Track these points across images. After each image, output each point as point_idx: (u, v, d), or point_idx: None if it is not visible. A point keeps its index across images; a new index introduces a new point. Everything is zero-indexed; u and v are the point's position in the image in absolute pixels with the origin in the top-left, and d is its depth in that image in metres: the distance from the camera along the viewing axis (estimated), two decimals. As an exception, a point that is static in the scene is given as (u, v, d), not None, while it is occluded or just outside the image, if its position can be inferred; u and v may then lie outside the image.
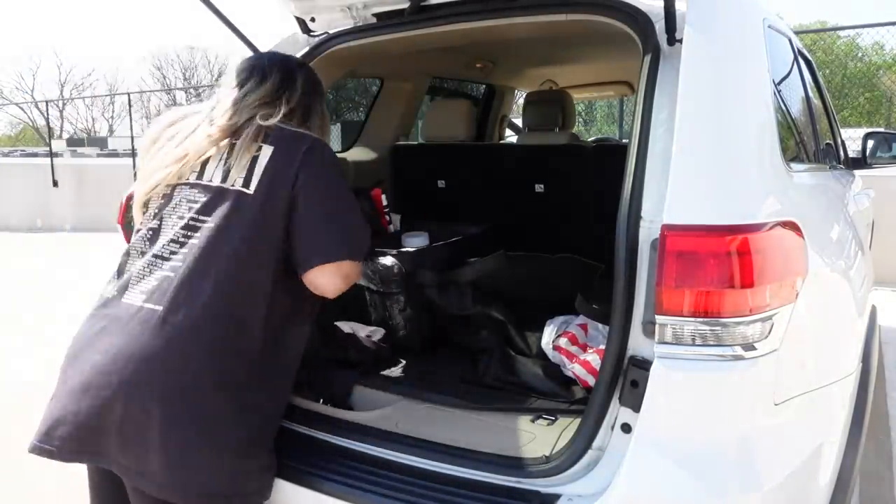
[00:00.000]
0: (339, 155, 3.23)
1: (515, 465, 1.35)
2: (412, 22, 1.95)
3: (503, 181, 2.82)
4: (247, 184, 1.36)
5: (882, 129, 4.10)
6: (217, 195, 1.37)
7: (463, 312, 2.09)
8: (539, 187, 2.75)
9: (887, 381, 3.42)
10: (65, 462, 1.32)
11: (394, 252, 2.07)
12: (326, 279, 1.35)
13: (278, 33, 2.30)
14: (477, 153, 3.16)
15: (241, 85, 1.49)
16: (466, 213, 2.74)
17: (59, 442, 1.30)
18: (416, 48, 2.42)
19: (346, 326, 2.13)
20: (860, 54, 12.87)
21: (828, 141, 2.62)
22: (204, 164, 1.42)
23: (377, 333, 2.11)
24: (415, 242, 2.35)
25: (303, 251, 1.34)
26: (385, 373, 1.98)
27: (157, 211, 1.43)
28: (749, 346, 1.14)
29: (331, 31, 2.17)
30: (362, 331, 2.11)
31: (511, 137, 4.74)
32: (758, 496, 1.16)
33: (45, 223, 11.43)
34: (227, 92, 1.49)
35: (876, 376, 2.03)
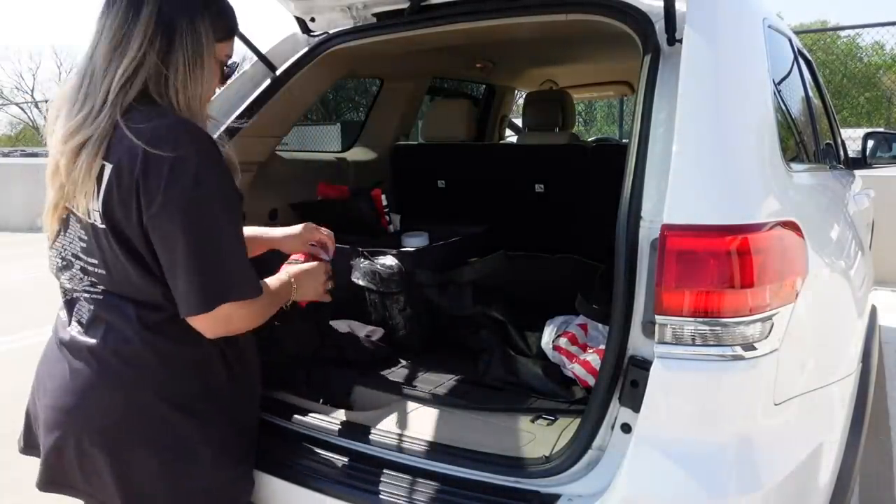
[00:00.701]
0: (339, 155, 3.23)
1: (515, 465, 1.35)
2: (412, 22, 1.95)
3: (503, 181, 2.82)
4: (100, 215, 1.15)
5: (882, 129, 4.09)
6: (91, 232, 1.18)
7: (463, 312, 2.09)
8: (539, 187, 2.75)
9: (887, 381, 3.42)
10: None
11: (394, 252, 2.08)
12: (201, 326, 1.17)
13: (278, 33, 2.30)
14: (477, 153, 3.16)
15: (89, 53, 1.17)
16: (466, 213, 2.74)
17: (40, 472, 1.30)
18: (416, 48, 2.42)
19: (343, 326, 2.13)
20: (860, 54, 12.86)
21: (828, 141, 2.62)
22: None
23: (376, 333, 2.11)
24: (415, 242, 2.35)
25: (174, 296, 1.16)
26: (384, 373, 1.98)
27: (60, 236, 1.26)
28: (749, 346, 1.14)
29: (331, 31, 2.17)
30: (361, 330, 2.11)
31: (511, 137, 4.75)
32: (758, 496, 1.15)
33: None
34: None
35: (876, 376, 2.03)
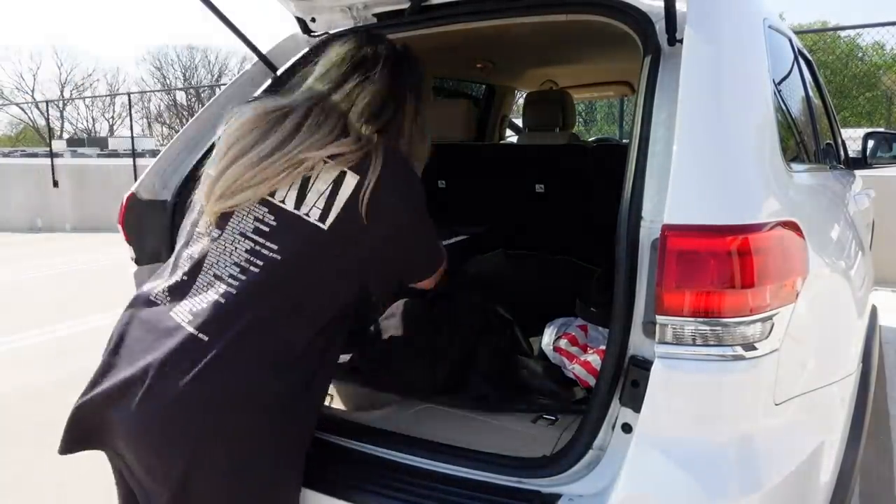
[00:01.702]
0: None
1: (516, 465, 1.35)
2: (412, 22, 1.95)
3: (503, 181, 2.82)
4: (323, 217, 1.24)
5: (882, 129, 4.10)
6: (288, 222, 1.25)
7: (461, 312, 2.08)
8: (539, 187, 2.75)
9: (887, 381, 3.42)
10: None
11: None
12: (426, 284, 1.49)
13: (278, 33, 2.30)
14: (477, 153, 3.16)
15: (342, 81, 1.39)
16: (466, 213, 2.74)
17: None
18: (416, 48, 2.42)
19: None
20: (861, 54, 12.87)
21: (828, 141, 2.63)
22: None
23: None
24: (415, 242, 2.35)
25: (403, 276, 1.46)
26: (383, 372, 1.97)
27: (219, 220, 1.30)
28: (749, 346, 1.14)
29: (331, 32, 2.17)
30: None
31: (511, 137, 4.75)
32: (758, 496, 1.15)
33: (45, 223, 11.44)
34: (324, 88, 1.38)
35: (876, 376, 2.03)
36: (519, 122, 4.74)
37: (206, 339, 1.18)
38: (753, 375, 1.16)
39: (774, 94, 1.48)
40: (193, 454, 1.17)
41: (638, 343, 1.22)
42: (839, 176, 2.48)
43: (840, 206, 2.10)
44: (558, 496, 1.26)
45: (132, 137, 13.46)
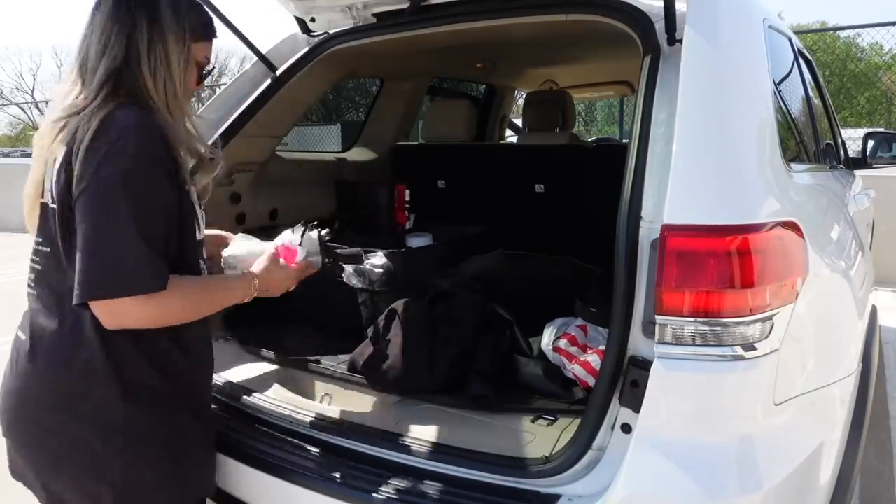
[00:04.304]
0: (339, 155, 3.23)
1: (515, 465, 1.35)
2: (412, 22, 1.95)
3: (503, 181, 2.82)
4: (51, 197, 1.21)
5: (882, 129, 4.10)
6: (43, 212, 1.26)
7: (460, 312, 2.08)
8: (539, 187, 2.75)
9: (887, 381, 3.42)
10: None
11: (383, 251, 2.06)
12: (98, 315, 1.14)
13: (278, 33, 2.30)
14: (477, 153, 3.16)
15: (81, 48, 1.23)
16: (466, 213, 2.74)
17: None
18: (416, 48, 2.42)
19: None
20: (861, 55, 12.87)
21: (828, 141, 2.62)
22: None
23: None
24: (416, 243, 2.35)
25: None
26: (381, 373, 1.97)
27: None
28: (749, 347, 1.14)
29: (331, 31, 2.17)
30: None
31: (511, 137, 4.75)
32: (758, 496, 1.15)
33: (45, 223, 11.41)
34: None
35: (876, 376, 2.03)
36: (519, 122, 4.74)
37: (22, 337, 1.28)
38: (753, 375, 1.16)
39: (774, 93, 1.48)
40: (30, 459, 1.26)
41: (638, 343, 1.22)
42: (839, 176, 2.48)
43: (840, 206, 2.10)
44: (558, 496, 1.26)
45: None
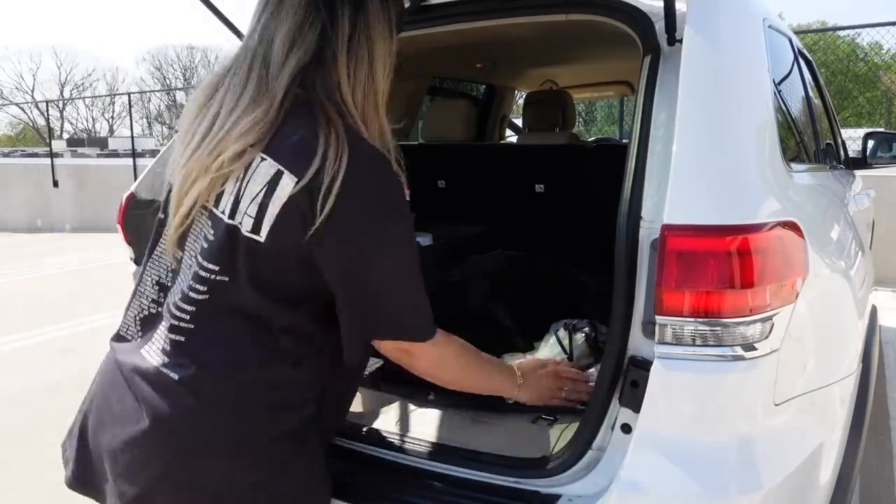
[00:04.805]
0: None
1: (515, 465, 1.35)
2: (412, 22, 1.95)
3: (503, 181, 2.82)
4: (256, 228, 0.99)
5: (882, 129, 4.11)
6: (225, 236, 1.01)
7: (458, 312, 2.08)
8: (539, 187, 2.75)
9: (887, 382, 3.42)
10: None
11: None
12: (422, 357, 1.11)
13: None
14: (477, 153, 3.16)
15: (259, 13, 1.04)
16: (466, 213, 2.74)
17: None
18: (415, 48, 2.42)
19: None
20: (862, 55, 12.87)
21: (828, 141, 2.62)
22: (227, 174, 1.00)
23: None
24: (415, 243, 2.35)
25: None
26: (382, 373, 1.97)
27: (180, 239, 1.08)
28: (749, 347, 1.14)
29: (331, 32, 2.17)
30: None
31: (511, 137, 4.75)
32: (758, 496, 1.15)
33: (45, 223, 11.43)
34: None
35: (876, 376, 2.03)
36: (519, 122, 4.74)
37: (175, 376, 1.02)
38: (753, 376, 1.16)
39: (774, 94, 1.48)
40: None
41: (637, 343, 1.22)
42: (839, 176, 2.48)
43: (840, 206, 2.10)
44: (557, 496, 1.26)
45: (132, 137, 13.46)
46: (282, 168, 0.96)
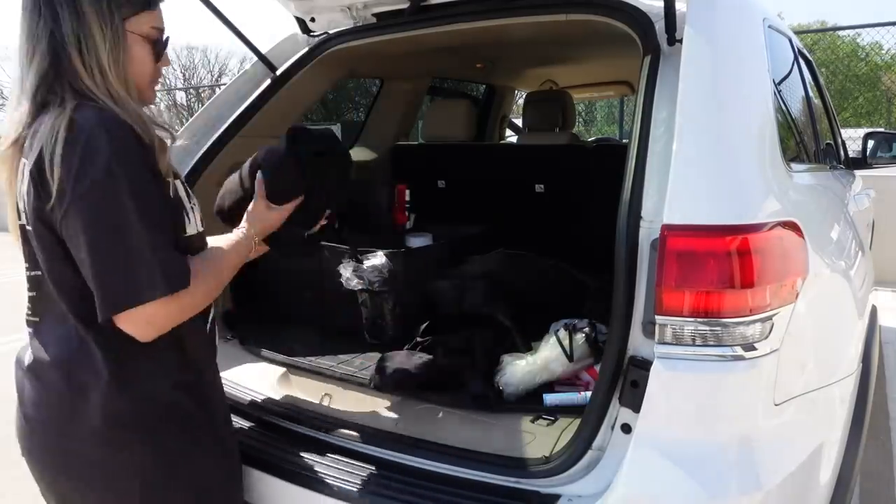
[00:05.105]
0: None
1: (515, 465, 1.35)
2: (412, 22, 1.95)
3: (503, 181, 2.82)
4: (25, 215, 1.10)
5: (882, 129, 4.11)
6: (22, 235, 1.16)
7: (458, 312, 2.08)
8: (539, 187, 2.75)
9: (887, 382, 3.42)
10: None
11: (384, 251, 2.07)
12: (127, 331, 1.06)
13: (278, 33, 2.30)
14: (477, 153, 3.17)
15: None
16: (466, 213, 2.74)
17: None
18: (416, 48, 2.42)
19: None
20: (862, 55, 12.86)
21: (828, 141, 2.62)
22: None
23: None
24: (416, 243, 2.35)
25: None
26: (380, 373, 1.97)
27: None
28: (749, 347, 1.14)
29: (331, 31, 2.17)
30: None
31: (511, 137, 4.75)
32: (758, 496, 1.15)
33: (45, 223, 11.40)
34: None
35: (876, 376, 2.02)
36: (519, 122, 4.74)
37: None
38: (753, 375, 1.16)
39: (774, 93, 1.48)
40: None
41: (637, 343, 1.22)
42: (839, 176, 2.48)
43: (840, 206, 2.10)
44: (557, 496, 1.26)
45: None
46: (26, 161, 1.07)
